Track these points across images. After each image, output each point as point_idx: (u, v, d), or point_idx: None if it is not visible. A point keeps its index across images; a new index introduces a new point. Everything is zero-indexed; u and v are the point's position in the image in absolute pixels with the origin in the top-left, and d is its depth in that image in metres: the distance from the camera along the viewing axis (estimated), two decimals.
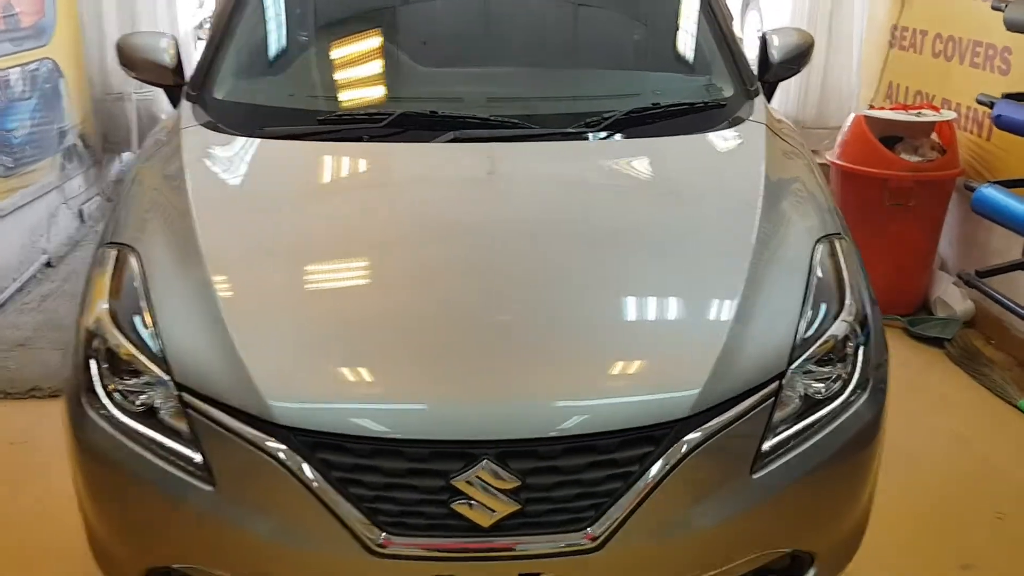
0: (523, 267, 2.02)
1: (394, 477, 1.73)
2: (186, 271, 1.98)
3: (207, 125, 2.47)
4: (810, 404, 1.94)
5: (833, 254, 2.16)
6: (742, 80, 2.72)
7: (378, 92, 2.68)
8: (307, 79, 2.75)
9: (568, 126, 2.45)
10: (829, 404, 1.96)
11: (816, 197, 2.33)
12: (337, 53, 2.85)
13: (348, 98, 2.66)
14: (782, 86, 5.30)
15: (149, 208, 2.23)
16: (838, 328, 2.00)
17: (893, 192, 4.04)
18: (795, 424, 1.91)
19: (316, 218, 2.16)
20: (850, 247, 2.21)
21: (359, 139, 2.40)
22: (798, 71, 2.98)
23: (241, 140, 2.42)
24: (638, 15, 2.98)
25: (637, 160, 2.43)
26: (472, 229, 2.12)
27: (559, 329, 1.89)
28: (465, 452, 1.72)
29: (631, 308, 1.98)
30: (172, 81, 2.75)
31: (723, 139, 2.50)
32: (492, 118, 2.42)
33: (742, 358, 1.86)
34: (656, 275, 2.04)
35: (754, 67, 2.93)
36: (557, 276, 2.01)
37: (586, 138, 2.42)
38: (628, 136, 2.46)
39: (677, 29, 2.95)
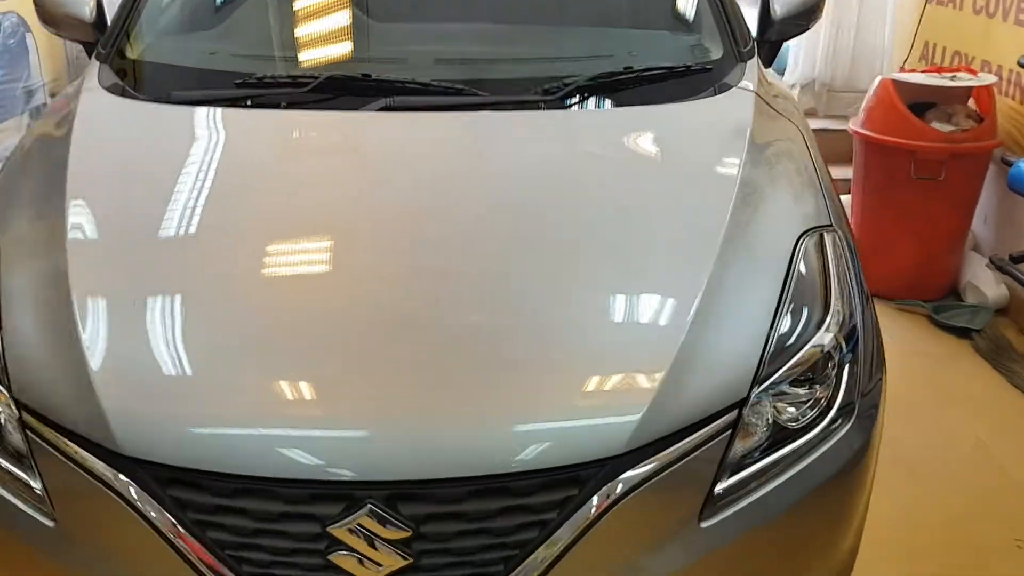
0: (439, 270, 1.69)
1: (262, 521, 1.44)
2: (44, 263, 1.69)
3: (111, 88, 2.16)
4: (779, 435, 1.62)
5: (821, 250, 1.81)
6: (733, 40, 2.34)
7: (311, 51, 2.34)
8: (232, 36, 2.42)
9: (523, 93, 2.10)
10: (803, 435, 1.63)
11: (807, 181, 1.98)
12: (271, 4, 2.51)
13: (275, 57, 2.32)
14: (810, 44, 4.93)
15: (23, 185, 1.95)
16: (819, 340, 1.67)
17: (921, 165, 3.63)
18: (759, 460, 1.59)
19: (207, 205, 1.83)
20: (842, 241, 1.87)
21: (277, 106, 2.08)
22: (806, 28, 2.60)
23: (145, 107, 2.10)
24: None
25: (597, 135, 2.07)
26: (380, 218, 1.80)
27: (470, 345, 1.57)
28: (346, 494, 1.43)
29: (566, 320, 1.62)
30: (93, 38, 2.45)
31: (702, 110, 2.14)
32: (433, 83, 2.08)
33: (695, 380, 1.54)
34: (602, 279, 1.70)
35: (753, 24, 2.56)
36: (479, 280, 1.69)
37: (540, 107, 2.07)
38: (590, 106, 2.12)
39: None
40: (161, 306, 1.63)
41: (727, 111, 2.14)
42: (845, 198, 4.24)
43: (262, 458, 1.44)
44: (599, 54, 2.31)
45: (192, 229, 1.77)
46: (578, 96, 2.10)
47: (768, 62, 2.55)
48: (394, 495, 1.43)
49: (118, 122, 2.09)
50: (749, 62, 2.32)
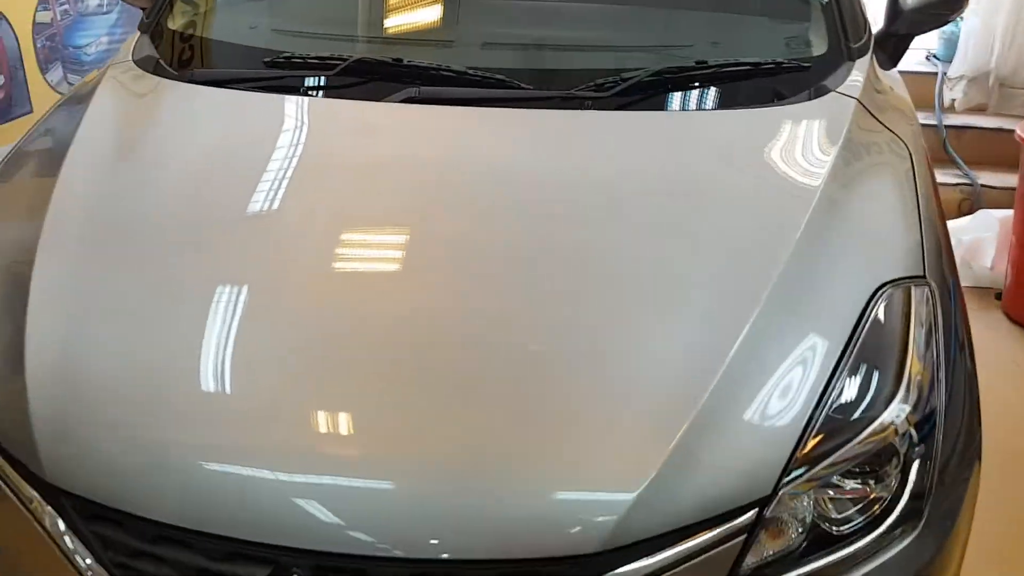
0: (436, 307, 1.44)
1: (182, 572, 1.26)
2: (14, 253, 1.57)
3: (143, 62, 2.02)
4: (821, 540, 1.29)
5: (905, 308, 1.45)
6: (843, 32, 1.94)
7: (351, 26, 2.10)
8: (277, 7, 2.22)
9: (572, 87, 1.79)
10: (852, 543, 1.30)
11: (902, 219, 1.60)
12: None
13: (315, 34, 2.09)
14: (985, 30, 4.30)
15: (26, 163, 1.84)
16: (881, 425, 1.32)
17: None
18: (788, 571, 1.27)
19: (201, 206, 1.63)
20: (936, 298, 1.49)
21: (304, 91, 1.87)
22: (945, 20, 2.16)
23: (168, 85, 1.94)
24: None
25: (647, 146, 1.73)
26: (370, 236, 1.57)
27: (439, 403, 1.31)
28: (271, 558, 1.23)
29: (563, 377, 1.34)
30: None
31: (787, 119, 1.77)
32: (469, 72, 1.81)
33: (705, 467, 1.24)
34: (619, 331, 1.40)
35: (879, 14, 2.15)
36: (480, 322, 1.42)
37: (587, 106, 1.76)
38: (649, 107, 1.79)
39: None
40: (115, 323, 1.45)
41: (817, 122, 1.77)
42: (1006, 212, 3.69)
43: (181, 505, 1.26)
44: (674, 43, 1.97)
45: (171, 240, 1.57)
46: (635, 95, 1.78)
47: (894, 60, 2.13)
48: (323, 568, 1.22)
49: (137, 102, 1.94)
50: (859, 60, 1.92)
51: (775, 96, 1.81)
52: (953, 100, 4.28)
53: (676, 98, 1.81)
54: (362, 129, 1.79)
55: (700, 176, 1.65)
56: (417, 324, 1.41)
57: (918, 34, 2.16)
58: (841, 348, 1.38)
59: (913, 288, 1.47)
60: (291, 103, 1.83)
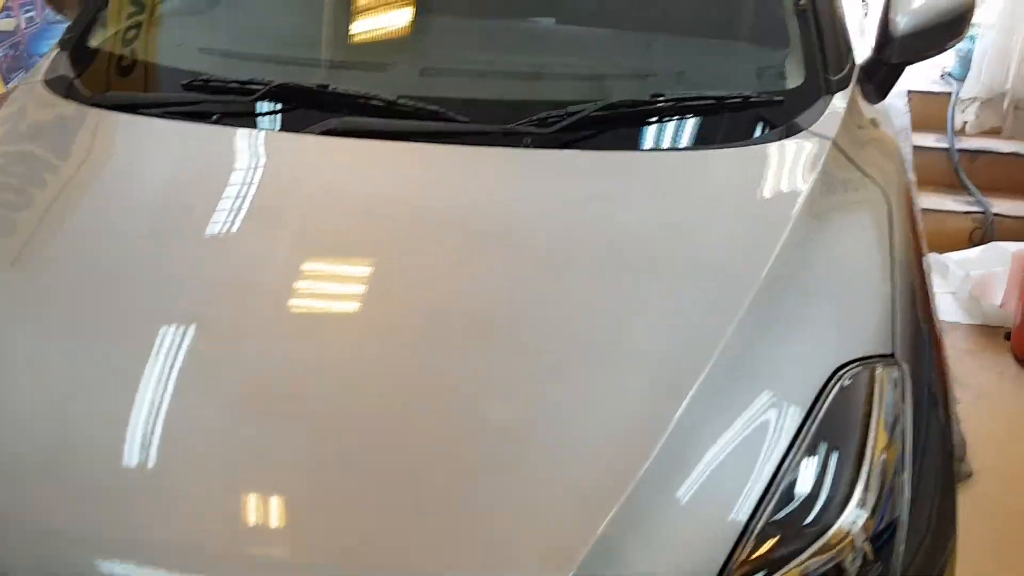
0: (345, 380, 1.28)
1: None
2: None
3: (54, 83, 1.84)
4: None
5: (868, 393, 1.25)
6: (822, 62, 1.74)
7: (283, 46, 1.90)
8: (208, 23, 2.03)
9: (513, 121, 1.60)
10: None
11: (873, 286, 1.39)
12: None
13: (243, 54, 1.89)
14: (999, 48, 4.05)
15: None
16: (839, 526, 1.13)
17: None
18: None
19: (94, 253, 1.45)
20: (906, 379, 1.28)
21: (219, 119, 1.68)
22: (943, 48, 1.94)
23: (76, 111, 1.75)
24: None
25: (590, 192, 1.52)
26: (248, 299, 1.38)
27: (343, 496, 1.16)
28: None
29: (482, 461, 1.18)
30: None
31: (750, 164, 1.56)
32: (399, 101, 1.62)
33: (632, 563, 1.07)
34: (544, 406, 1.23)
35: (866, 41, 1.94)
36: (396, 397, 1.25)
37: (527, 144, 1.56)
38: (597, 146, 1.59)
39: None
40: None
41: (784, 168, 1.56)
42: (1020, 245, 3.46)
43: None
44: (632, 72, 1.77)
45: (51, 298, 1.40)
46: (582, 131, 1.58)
47: (882, 92, 1.92)
48: None
49: (38, 130, 1.76)
50: (838, 94, 1.71)
51: (740, 135, 1.61)
52: (965, 122, 4.03)
53: (628, 136, 1.61)
54: (271, 166, 1.60)
55: (644, 229, 1.45)
56: (330, 400, 1.25)
57: (912, 63, 1.95)
58: (790, 439, 1.19)
59: (879, 370, 1.26)
60: (202, 133, 1.65)
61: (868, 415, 1.22)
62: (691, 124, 1.63)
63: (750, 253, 1.39)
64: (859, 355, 1.27)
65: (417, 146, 1.58)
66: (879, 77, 1.91)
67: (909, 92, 4.74)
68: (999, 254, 3.54)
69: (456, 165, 1.56)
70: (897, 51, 1.86)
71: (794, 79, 1.72)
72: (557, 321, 1.32)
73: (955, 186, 4.21)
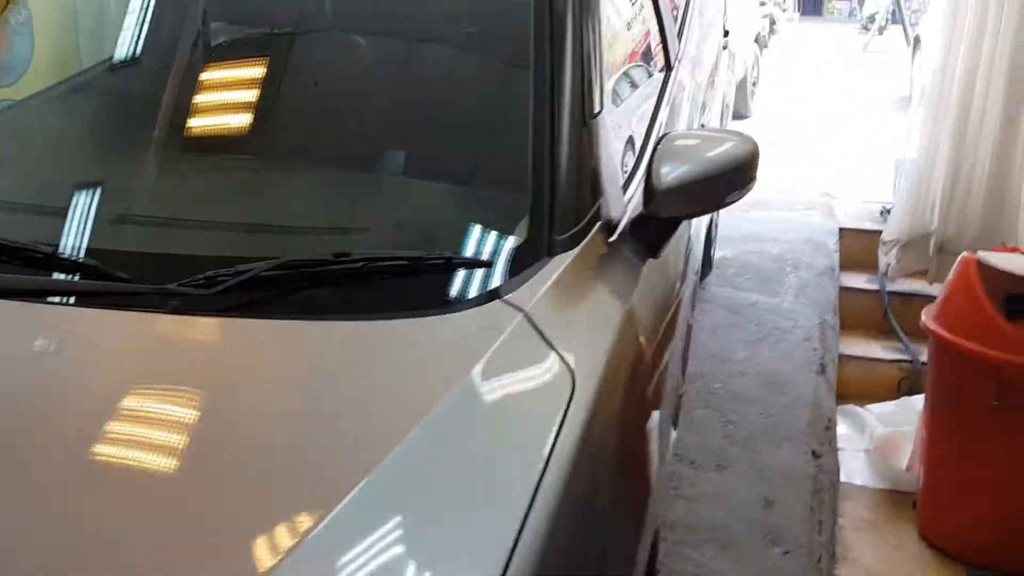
0: None
1: None
2: None
3: None
4: None
5: None
6: (548, 217, 1.51)
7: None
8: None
9: (172, 280, 1.39)
10: None
11: (498, 501, 1.13)
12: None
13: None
14: (919, 185, 3.79)
15: None
16: None
17: (1008, 388, 2.52)
18: None
19: None
20: None
21: None
22: (723, 203, 1.73)
23: None
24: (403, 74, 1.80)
25: (214, 373, 1.31)
26: None
27: None
28: None
29: None
30: None
31: (415, 338, 1.33)
32: (61, 255, 1.44)
33: None
34: None
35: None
36: None
37: (175, 310, 1.36)
38: (260, 313, 1.37)
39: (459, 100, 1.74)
40: None
41: (447, 347, 1.32)
42: None
43: None
44: (330, 225, 1.57)
45: None
46: (243, 296, 1.37)
47: (652, 248, 1.70)
48: None
49: None
50: (558, 257, 1.48)
51: (424, 304, 1.39)
52: (888, 265, 3.78)
53: (286, 302, 1.40)
54: None
55: (239, 424, 1.21)
56: None
57: (682, 219, 1.74)
58: None
59: None
60: None
61: None
62: (369, 290, 1.41)
63: (363, 455, 1.14)
64: None
65: (59, 309, 1.38)
66: (647, 232, 1.69)
67: (841, 230, 4.55)
68: (910, 410, 3.23)
69: (92, 332, 1.36)
70: (663, 205, 1.64)
71: (507, 239, 1.51)
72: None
73: (886, 331, 3.93)
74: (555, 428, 1.22)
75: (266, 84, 1.74)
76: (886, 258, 3.78)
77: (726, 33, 3.42)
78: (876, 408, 3.51)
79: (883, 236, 3.81)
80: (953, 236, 3.73)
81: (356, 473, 1.11)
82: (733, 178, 1.69)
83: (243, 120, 1.74)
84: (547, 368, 1.31)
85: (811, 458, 2.93)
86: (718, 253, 4.18)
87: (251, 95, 1.73)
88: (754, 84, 8.26)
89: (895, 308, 3.92)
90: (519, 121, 1.62)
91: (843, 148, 6.43)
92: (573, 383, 1.29)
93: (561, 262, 1.48)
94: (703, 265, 3.86)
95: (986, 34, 3.51)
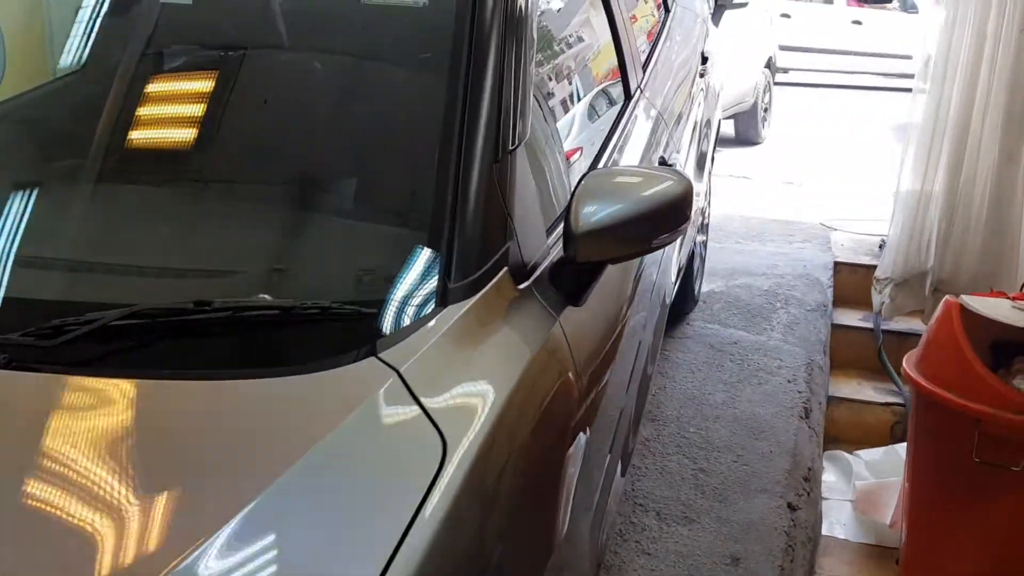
0: None
1: None
2: None
3: None
4: None
5: None
6: (443, 262, 1.38)
7: None
8: None
9: (20, 330, 1.27)
10: None
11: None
12: None
13: None
14: (914, 224, 3.60)
15: None
16: None
17: (989, 442, 2.35)
18: None
19: None
20: None
21: None
22: (651, 247, 1.58)
23: None
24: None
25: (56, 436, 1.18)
26: None
27: None
28: None
29: None
30: None
31: (272, 399, 1.20)
32: None
33: None
34: None
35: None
36: None
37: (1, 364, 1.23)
38: (101, 369, 1.24)
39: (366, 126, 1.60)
40: None
41: (310, 407, 1.19)
42: None
43: None
44: (203, 269, 1.44)
45: None
46: (91, 348, 1.25)
47: (572, 295, 1.55)
48: None
49: None
50: (451, 307, 1.34)
51: (288, 359, 1.26)
52: (883, 304, 3.60)
53: (139, 356, 1.27)
54: None
55: (56, 502, 1.08)
56: None
57: (613, 262, 1.59)
58: None
59: None
60: None
61: None
62: (231, 343, 1.28)
63: (197, 528, 1.01)
64: None
65: None
66: (566, 277, 1.54)
67: (836, 264, 4.36)
68: (899, 458, 3.04)
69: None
70: (582, 249, 1.50)
71: (395, 286, 1.37)
72: None
73: (879, 372, 3.75)
74: (416, 501, 1.08)
75: (121, 111, 1.61)
76: (880, 297, 3.61)
77: (704, 60, 3.26)
78: (865, 455, 3.32)
79: (876, 273, 3.63)
80: (949, 277, 3.56)
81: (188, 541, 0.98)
82: (661, 220, 1.55)
83: (104, 146, 1.61)
84: (414, 435, 1.17)
85: (786, 511, 2.75)
86: (706, 286, 4.01)
87: (104, 121, 1.60)
88: (765, 110, 8.08)
89: (890, 348, 3.74)
90: (424, 155, 1.49)
91: (849, 176, 6.24)
92: (444, 450, 1.15)
93: (454, 313, 1.34)
94: (686, 300, 3.70)
95: (983, 63, 3.34)
